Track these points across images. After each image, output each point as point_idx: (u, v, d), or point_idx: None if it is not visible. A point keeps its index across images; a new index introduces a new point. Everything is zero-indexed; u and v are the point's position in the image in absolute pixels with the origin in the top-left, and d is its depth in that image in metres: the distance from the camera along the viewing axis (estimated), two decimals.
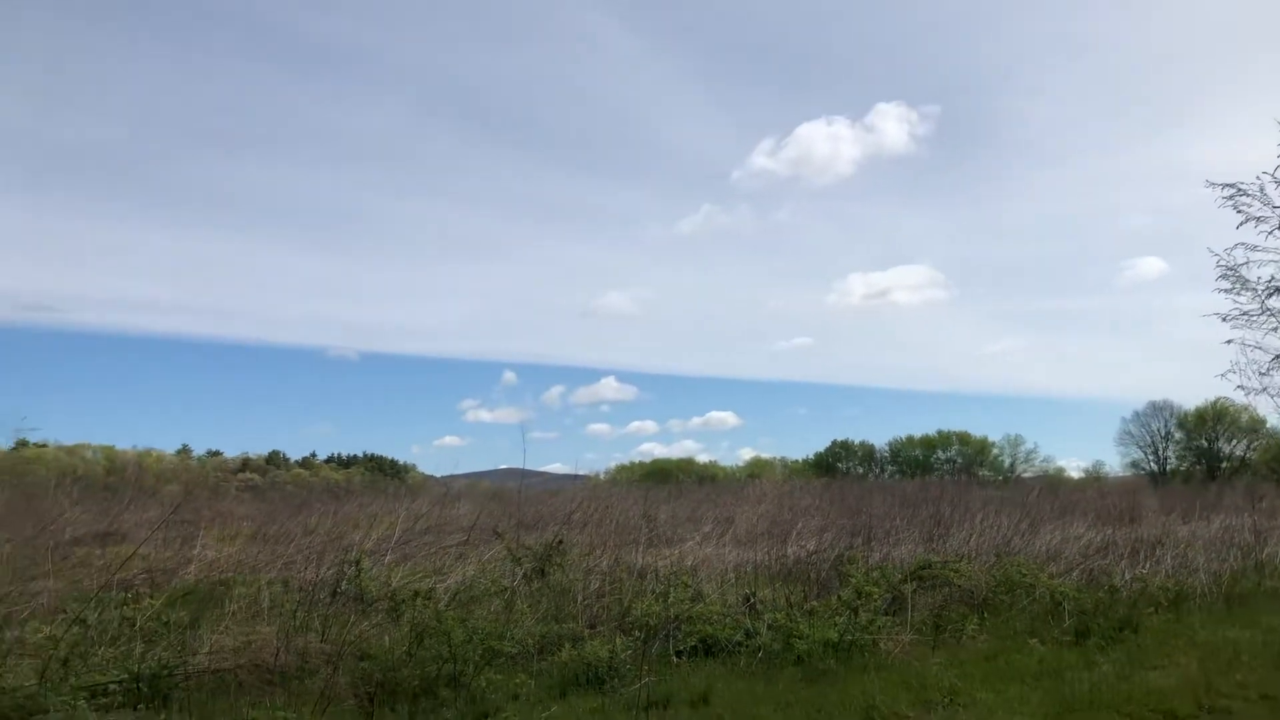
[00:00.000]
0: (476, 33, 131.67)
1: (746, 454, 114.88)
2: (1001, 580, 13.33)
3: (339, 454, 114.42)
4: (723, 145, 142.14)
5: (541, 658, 9.81)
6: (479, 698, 8.44)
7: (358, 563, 12.72)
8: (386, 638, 10.08)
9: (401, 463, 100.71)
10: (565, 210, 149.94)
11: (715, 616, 11.13)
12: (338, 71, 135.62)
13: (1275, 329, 7.05)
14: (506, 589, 12.37)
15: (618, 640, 9.75)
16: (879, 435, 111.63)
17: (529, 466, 22.97)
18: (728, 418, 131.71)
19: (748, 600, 12.07)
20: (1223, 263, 7.33)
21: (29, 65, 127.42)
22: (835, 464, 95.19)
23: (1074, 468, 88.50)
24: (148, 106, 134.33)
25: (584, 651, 9.44)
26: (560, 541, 14.24)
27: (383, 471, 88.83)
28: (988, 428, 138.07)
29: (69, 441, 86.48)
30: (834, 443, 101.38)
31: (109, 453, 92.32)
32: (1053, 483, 47.70)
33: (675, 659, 10.00)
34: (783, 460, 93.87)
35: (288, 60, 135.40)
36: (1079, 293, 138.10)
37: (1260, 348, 7.15)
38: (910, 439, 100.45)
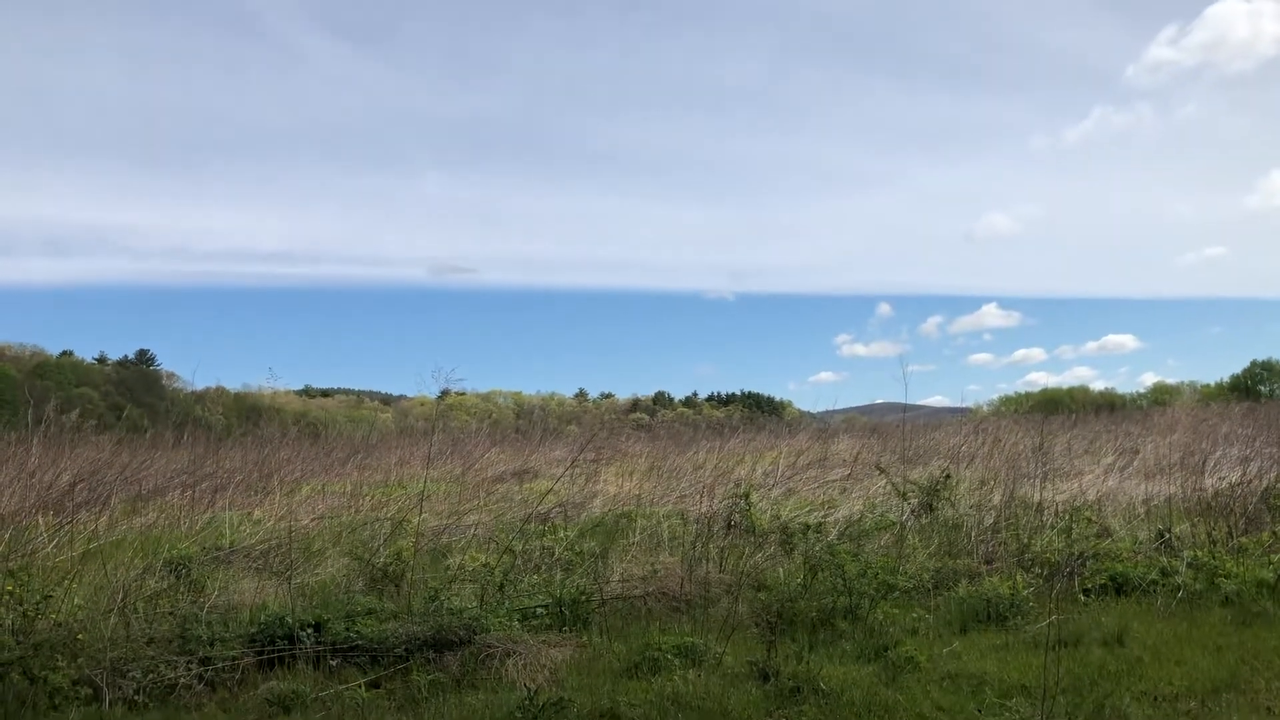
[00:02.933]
0: None
1: (1149, 379, 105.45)
2: None
3: (718, 392, 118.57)
4: (1112, 40, 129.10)
5: (937, 593, 9.66)
6: (876, 630, 8.47)
7: (746, 496, 13.12)
8: (780, 569, 10.37)
9: (778, 399, 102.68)
10: (941, 132, 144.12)
11: (1125, 553, 10.44)
12: (700, 22, 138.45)
13: None
14: (895, 524, 12.27)
15: (1018, 577, 9.39)
16: None
17: (908, 400, 22.48)
18: (1126, 341, 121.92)
19: (1162, 536, 11.17)
20: None
21: (435, 52, 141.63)
22: (1256, 387, 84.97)
23: None
24: (536, 78, 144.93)
25: (982, 587, 9.20)
26: (948, 475, 13.89)
27: (760, 408, 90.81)
28: None
29: (483, 389, 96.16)
30: (1254, 363, 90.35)
31: (517, 398, 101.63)
32: None
33: (1082, 597, 9.47)
34: (1192, 385, 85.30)
35: (654, 17, 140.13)
36: None
37: None
38: None
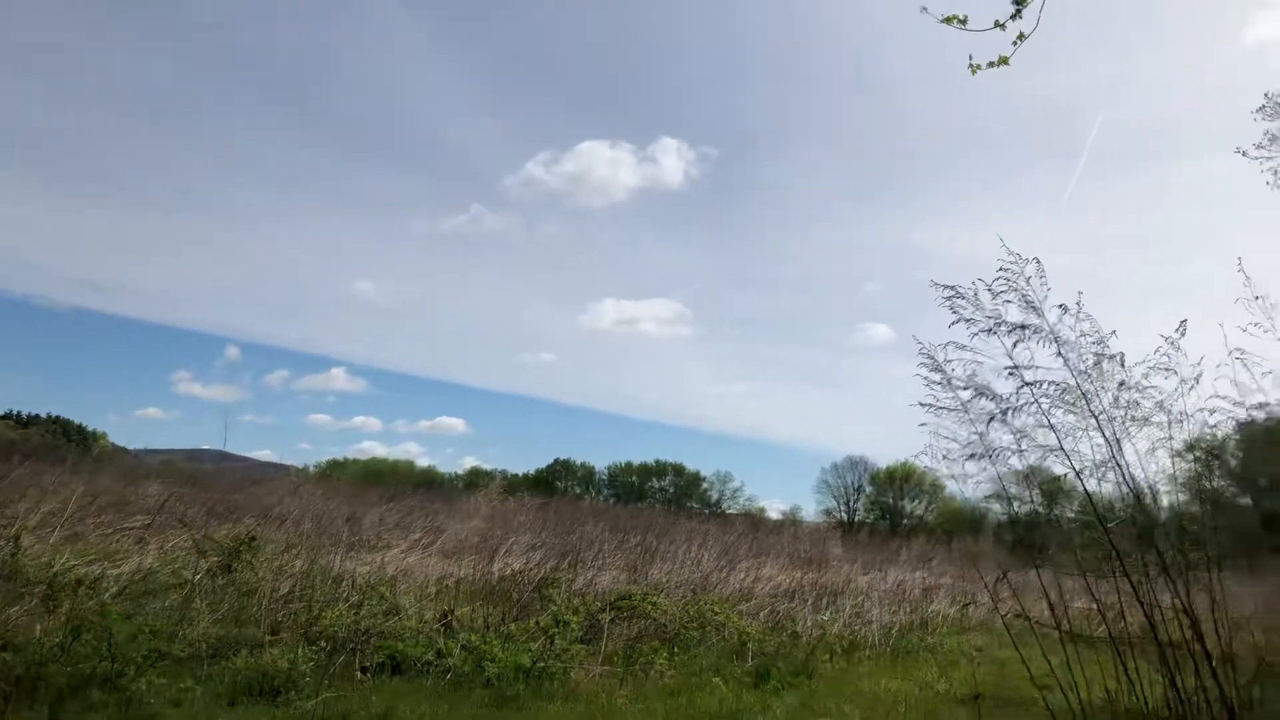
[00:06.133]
0: None
1: (469, 463, 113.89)
2: (695, 616, 13.70)
3: (18, 411, 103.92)
4: (500, 147, 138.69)
5: (214, 662, 9.15)
6: (137, 701, 7.76)
7: (17, 538, 11.48)
8: (39, 627, 9.11)
9: (91, 429, 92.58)
10: (326, 190, 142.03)
11: (409, 633, 10.80)
12: (118, 18, 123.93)
13: (969, 425, 7.52)
14: (186, 583, 11.51)
15: (300, 650, 9.24)
16: (606, 459, 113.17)
17: (236, 450, 21.70)
18: (457, 424, 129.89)
19: (445, 617, 11.80)
20: (925, 351, 7.75)
21: None
22: (554, 482, 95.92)
23: (774, 509, 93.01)
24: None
25: (261, 660, 8.90)
26: (253, 537, 13.44)
27: (67, 436, 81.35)
28: (704, 462, 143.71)
29: None
30: (555, 460, 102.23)
31: None
32: (755, 521, 50.02)
33: (360, 675, 9.59)
34: (503, 473, 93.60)
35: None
36: (813, 348, 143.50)
37: (954, 440, 7.60)
38: (629, 465, 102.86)
